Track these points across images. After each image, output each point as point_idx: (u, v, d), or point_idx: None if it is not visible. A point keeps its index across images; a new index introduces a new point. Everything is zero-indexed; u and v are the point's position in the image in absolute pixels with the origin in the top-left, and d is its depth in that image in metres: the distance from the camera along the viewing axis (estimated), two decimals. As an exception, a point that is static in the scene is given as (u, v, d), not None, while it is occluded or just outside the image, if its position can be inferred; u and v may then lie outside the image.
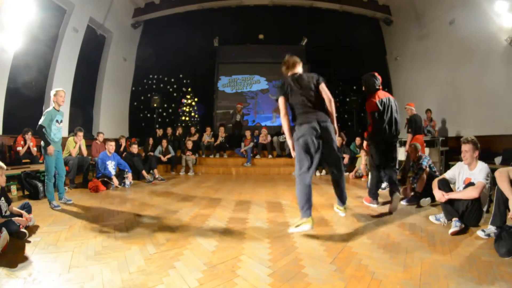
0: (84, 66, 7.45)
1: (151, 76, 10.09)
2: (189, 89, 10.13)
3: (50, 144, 3.44)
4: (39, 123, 3.46)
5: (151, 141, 7.14)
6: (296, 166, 2.50)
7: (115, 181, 4.92)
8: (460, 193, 2.64)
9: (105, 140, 5.97)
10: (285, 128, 2.60)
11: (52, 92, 3.62)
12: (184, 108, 10.08)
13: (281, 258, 2.01)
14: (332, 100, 2.60)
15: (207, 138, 8.10)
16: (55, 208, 3.36)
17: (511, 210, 2.15)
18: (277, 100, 2.65)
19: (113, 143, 5.23)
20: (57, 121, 3.59)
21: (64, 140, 5.55)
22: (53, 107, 3.59)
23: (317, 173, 6.71)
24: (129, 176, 5.24)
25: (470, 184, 2.63)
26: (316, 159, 2.46)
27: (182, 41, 9.40)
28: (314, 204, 3.69)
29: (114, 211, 3.37)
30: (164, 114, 10.00)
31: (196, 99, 10.15)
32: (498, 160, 5.09)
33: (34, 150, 5.33)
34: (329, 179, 5.09)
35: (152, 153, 6.86)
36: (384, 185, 4.68)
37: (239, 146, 7.91)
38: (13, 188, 4.21)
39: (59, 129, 3.66)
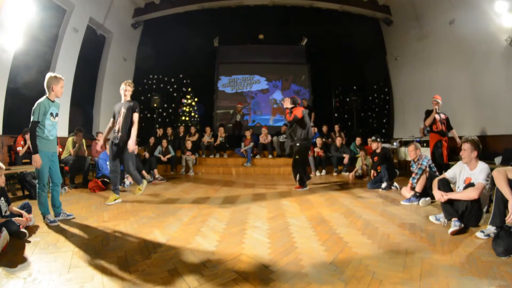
0: (84, 66, 7.44)
1: (151, 76, 10.08)
2: (189, 89, 10.13)
3: (37, 152, 2.75)
4: (32, 119, 2.77)
5: (164, 143, 7.13)
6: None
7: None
8: (460, 194, 2.63)
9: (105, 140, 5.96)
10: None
11: (49, 78, 2.89)
12: (184, 108, 10.07)
13: (281, 258, 2.01)
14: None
15: (207, 138, 8.11)
16: (52, 224, 2.76)
17: (510, 212, 2.14)
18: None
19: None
20: (51, 114, 2.87)
21: (64, 140, 5.59)
22: (47, 97, 2.88)
23: (317, 173, 6.71)
24: (129, 176, 5.23)
25: (470, 184, 2.63)
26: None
27: (182, 41, 9.38)
28: (313, 203, 3.71)
29: (114, 211, 3.37)
30: (164, 114, 9.99)
31: (196, 99, 10.14)
32: (498, 160, 5.09)
33: (34, 150, 5.32)
34: (328, 179, 5.06)
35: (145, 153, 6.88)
36: (384, 185, 4.69)
37: (239, 146, 7.91)
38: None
39: (54, 124, 2.93)
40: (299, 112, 4.65)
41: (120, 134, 3.74)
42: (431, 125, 4.89)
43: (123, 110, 3.76)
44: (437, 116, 4.83)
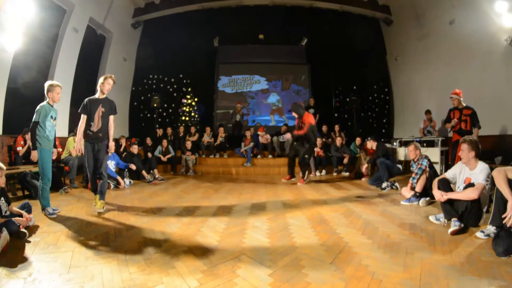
0: (84, 66, 7.44)
1: (151, 76, 10.08)
2: (189, 89, 10.13)
3: (36, 148, 3.06)
4: (33, 119, 3.08)
5: (165, 143, 7.14)
6: None
7: (121, 182, 4.97)
8: (460, 194, 2.63)
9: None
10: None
11: (47, 86, 3.17)
12: (184, 108, 10.08)
13: (281, 258, 2.01)
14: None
15: (207, 138, 8.11)
16: (50, 216, 2.96)
17: (508, 211, 2.14)
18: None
19: (113, 143, 5.22)
20: (51, 117, 3.20)
21: (64, 140, 5.59)
22: (47, 102, 3.20)
23: (317, 173, 6.71)
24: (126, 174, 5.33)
25: (470, 184, 2.63)
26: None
27: (182, 41, 9.39)
28: (313, 203, 3.71)
29: (114, 211, 3.37)
30: (164, 114, 9.99)
31: (196, 99, 10.15)
32: (498, 160, 5.09)
33: (34, 150, 5.34)
34: (328, 179, 5.03)
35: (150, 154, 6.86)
36: (384, 185, 4.70)
37: (239, 146, 7.91)
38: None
39: (53, 126, 3.25)
40: (311, 118, 5.10)
41: (100, 135, 3.38)
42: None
43: (101, 109, 3.38)
44: (457, 114, 4.52)
